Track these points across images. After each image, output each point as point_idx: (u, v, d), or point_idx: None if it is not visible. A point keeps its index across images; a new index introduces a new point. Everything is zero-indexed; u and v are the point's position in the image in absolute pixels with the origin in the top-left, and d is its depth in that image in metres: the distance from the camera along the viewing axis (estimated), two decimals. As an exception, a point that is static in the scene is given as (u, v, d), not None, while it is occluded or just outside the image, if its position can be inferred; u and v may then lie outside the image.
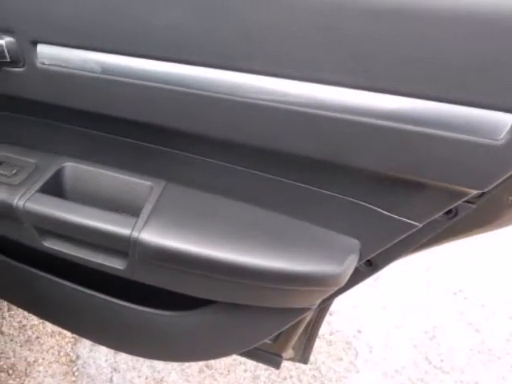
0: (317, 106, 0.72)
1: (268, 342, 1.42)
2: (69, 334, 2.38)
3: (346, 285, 1.00)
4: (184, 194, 1.05)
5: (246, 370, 2.27)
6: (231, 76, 0.76)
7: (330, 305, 1.28)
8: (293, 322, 1.17)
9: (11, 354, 2.28)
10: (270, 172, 0.93)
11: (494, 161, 0.67)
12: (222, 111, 0.80)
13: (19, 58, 0.89)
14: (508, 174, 0.68)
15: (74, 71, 0.87)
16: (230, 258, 0.94)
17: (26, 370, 2.22)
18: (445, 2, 0.59)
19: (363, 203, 0.88)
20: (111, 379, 2.22)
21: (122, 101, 0.88)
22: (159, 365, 2.27)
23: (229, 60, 0.74)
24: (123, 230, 0.98)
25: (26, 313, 2.43)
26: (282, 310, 1.13)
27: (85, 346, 2.35)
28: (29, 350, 2.30)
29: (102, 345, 1.72)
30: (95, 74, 0.86)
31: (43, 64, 0.89)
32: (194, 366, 2.27)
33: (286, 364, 2.23)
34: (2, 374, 2.19)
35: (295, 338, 1.39)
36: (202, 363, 2.29)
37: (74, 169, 1.13)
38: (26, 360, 2.26)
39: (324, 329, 2.45)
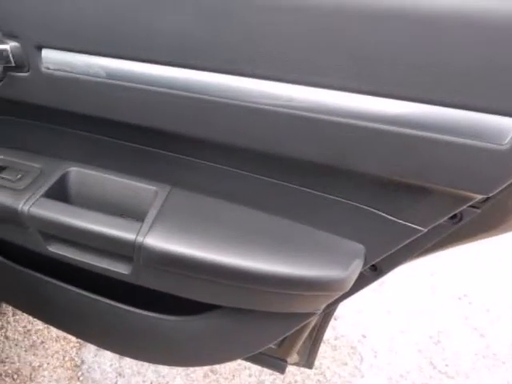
0: (320, 111, 0.72)
1: (273, 346, 1.42)
2: (73, 338, 2.38)
3: (351, 289, 1.00)
4: (189, 198, 1.05)
5: (250, 375, 2.27)
6: (235, 80, 0.76)
7: (334, 309, 1.28)
8: (297, 327, 1.17)
9: (16, 358, 2.28)
10: (274, 176, 0.93)
11: (498, 166, 0.67)
12: (225, 116, 0.80)
13: (24, 62, 0.89)
14: (513, 179, 0.68)
15: (79, 76, 0.87)
16: (234, 263, 0.94)
17: (30, 374, 2.22)
18: (450, 6, 0.59)
19: (367, 208, 0.88)
20: (116, 384, 2.23)
21: (126, 105, 0.88)
22: (164, 369, 2.27)
23: (232, 64, 0.74)
24: (128, 235, 0.98)
25: (30, 318, 2.43)
26: (287, 315, 1.13)
27: (90, 350, 2.35)
28: (34, 354, 2.30)
29: (107, 349, 1.72)
30: (100, 79, 0.86)
31: (48, 69, 0.89)
32: (198, 371, 2.27)
33: (290, 369, 2.23)
34: (7, 379, 2.18)
35: (300, 343, 1.39)
36: (206, 368, 2.28)
37: (79, 173, 1.13)
38: (30, 365, 2.26)
39: (329, 333, 2.45)
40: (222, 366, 2.29)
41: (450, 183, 0.73)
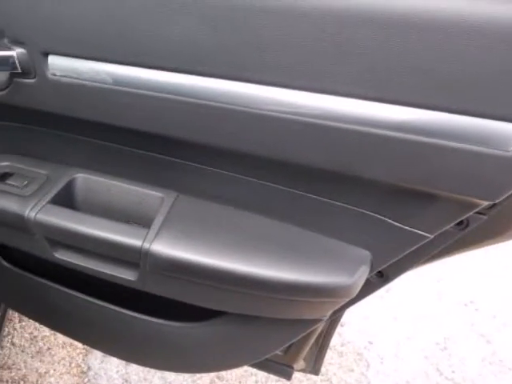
0: (327, 117, 0.72)
1: (279, 353, 1.42)
2: (80, 345, 2.38)
3: (358, 296, 0.99)
4: (195, 205, 1.05)
5: (257, 382, 2.26)
6: (242, 87, 0.76)
7: (341, 316, 1.28)
8: (304, 333, 1.16)
9: (22, 365, 2.28)
10: (281, 183, 0.93)
11: (505, 172, 0.67)
12: (232, 122, 0.80)
13: (30, 69, 0.89)
14: (519, 186, 0.68)
15: (85, 82, 0.87)
16: (240, 269, 0.94)
17: (37, 381, 2.22)
18: (458, 11, 0.59)
19: (374, 214, 0.88)
20: (122, 390, 2.23)
21: (133, 112, 0.88)
22: (170, 376, 2.27)
23: (239, 71, 0.74)
24: (134, 242, 0.98)
25: (37, 324, 2.44)
26: (293, 321, 1.13)
27: (96, 357, 2.35)
28: (40, 361, 2.31)
29: (114, 356, 1.72)
30: (106, 85, 0.86)
31: (54, 75, 0.89)
32: (205, 378, 2.27)
33: (297, 375, 2.23)
34: (14, 386, 2.19)
35: (306, 349, 1.39)
36: (213, 374, 2.28)
37: (85, 180, 1.13)
38: (37, 371, 2.26)
39: (335, 340, 2.45)
40: (229, 372, 2.29)
41: (457, 190, 0.73)
